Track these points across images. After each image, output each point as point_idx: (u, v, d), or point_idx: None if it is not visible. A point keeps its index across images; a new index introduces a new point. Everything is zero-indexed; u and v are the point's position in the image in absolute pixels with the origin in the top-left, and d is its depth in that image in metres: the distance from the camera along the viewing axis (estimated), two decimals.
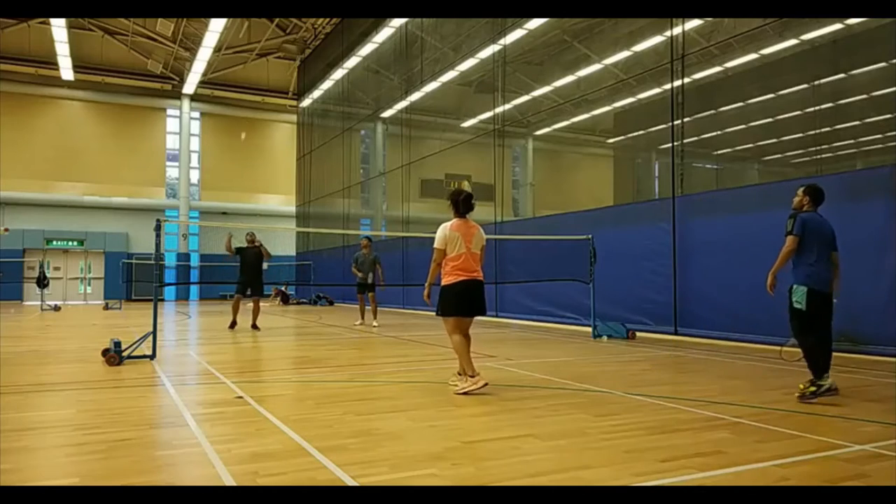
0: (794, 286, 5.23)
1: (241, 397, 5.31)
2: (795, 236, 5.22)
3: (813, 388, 5.06)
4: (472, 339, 5.86)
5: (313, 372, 7.03)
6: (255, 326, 12.52)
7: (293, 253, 30.41)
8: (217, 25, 21.99)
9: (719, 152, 18.80)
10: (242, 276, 12.42)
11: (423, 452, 3.64)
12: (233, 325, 12.59)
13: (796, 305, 5.18)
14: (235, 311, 12.77)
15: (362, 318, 13.73)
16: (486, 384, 5.46)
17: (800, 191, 5.52)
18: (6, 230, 25.57)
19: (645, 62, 14.99)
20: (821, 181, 9.65)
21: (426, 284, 5.87)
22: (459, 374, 5.73)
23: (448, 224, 5.73)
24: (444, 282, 5.69)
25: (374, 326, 13.03)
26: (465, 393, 5.43)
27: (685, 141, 11.26)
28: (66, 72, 25.91)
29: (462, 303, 5.66)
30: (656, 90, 15.90)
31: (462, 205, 5.74)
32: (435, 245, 5.71)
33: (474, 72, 18.83)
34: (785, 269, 5.33)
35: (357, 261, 13.36)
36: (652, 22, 13.99)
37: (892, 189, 7.72)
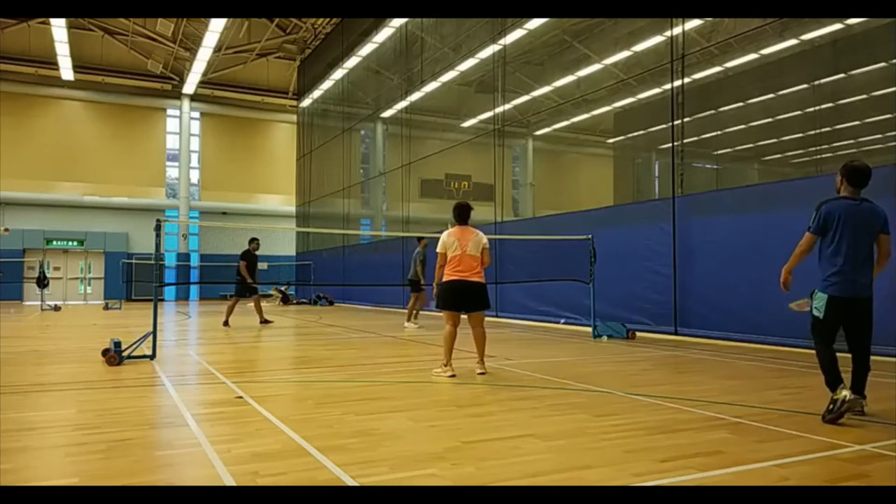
0: (815, 292, 4.60)
1: (241, 397, 5.31)
2: (811, 234, 4.55)
3: (830, 407, 4.43)
4: (485, 331, 6.73)
5: (313, 372, 7.03)
6: (266, 321, 13.65)
7: (293, 253, 30.41)
8: (217, 25, 21.99)
9: (719, 152, 18.80)
10: (254, 279, 13.23)
11: (423, 452, 3.64)
12: (265, 321, 13.53)
13: (815, 312, 4.59)
14: (260, 310, 13.75)
15: (414, 318, 13.15)
16: (451, 375, 6.33)
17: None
18: (6, 230, 25.57)
19: (645, 62, 14.99)
20: (821, 181, 9.64)
21: (434, 284, 6.75)
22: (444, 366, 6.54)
23: (447, 231, 6.66)
24: (443, 279, 6.59)
25: (413, 327, 12.72)
26: (450, 376, 6.33)
27: (685, 141, 11.26)
28: (66, 72, 25.91)
29: (449, 299, 6.50)
30: (656, 90, 15.91)
31: (456, 214, 6.69)
32: (437, 250, 6.64)
33: (474, 72, 18.83)
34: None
35: (421, 260, 12.48)
36: (652, 22, 13.99)
37: (892, 189, 7.72)
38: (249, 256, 13.19)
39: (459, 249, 6.47)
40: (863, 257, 4.51)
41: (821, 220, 4.54)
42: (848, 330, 4.66)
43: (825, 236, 4.54)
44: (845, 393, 4.41)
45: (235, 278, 13.28)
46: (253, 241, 13.45)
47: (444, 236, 6.59)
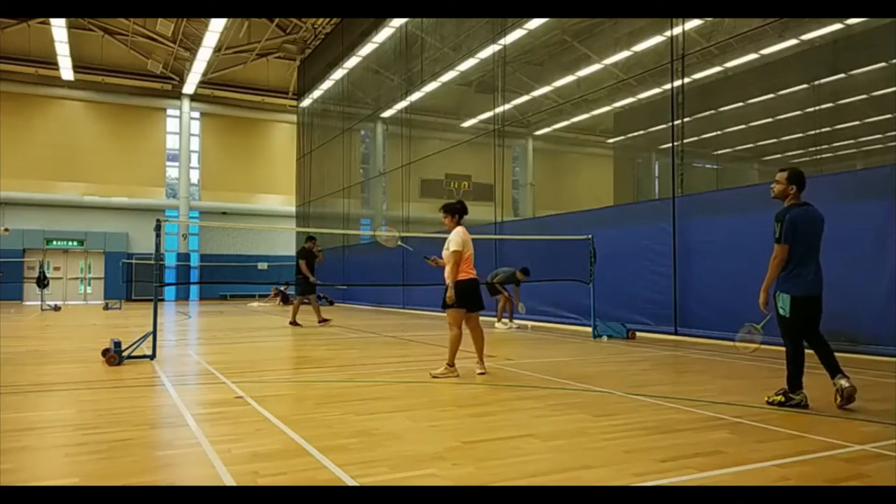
0: (777, 293, 4.92)
1: (241, 397, 5.31)
2: (785, 244, 4.80)
3: (781, 399, 4.90)
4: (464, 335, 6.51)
5: (313, 372, 7.03)
6: (294, 323, 13.43)
7: (293, 253, 30.39)
8: (217, 25, 21.99)
9: (719, 152, 18.81)
10: (315, 277, 13.24)
11: (423, 452, 3.64)
12: (323, 320, 13.38)
13: (781, 311, 4.92)
14: (318, 310, 13.63)
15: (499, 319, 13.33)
16: (455, 376, 6.35)
17: (781, 176, 4.98)
18: (6, 230, 25.55)
19: (645, 62, 14.99)
20: (821, 181, 9.63)
21: (451, 285, 6.34)
22: (448, 366, 6.48)
23: (460, 229, 6.52)
24: (458, 278, 6.37)
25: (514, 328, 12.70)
26: (436, 376, 6.34)
27: (685, 141, 11.26)
28: (66, 72, 25.90)
29: (468, 298, 6.43)
30: (656, 90, 15.91)
31: (464, 212, 6.65)
32: (455, 248, 6.37)
33: (474, 72, 18.83)
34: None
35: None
36: (652, 22, 13.99)
37: (892, 189, 7.72)
38: (308, 255, 13.27)
39: (471, 248, 6.53)
40: (817, 257, 4.91)
41: (793, 230, 4.80)
42: (810, 322, 4.96)
43: (793, 243, 4.84)
44: (804, 395, 4.86)
45: (296, 278, 13.36)
46: (310, 239, 13.55)
47: (462, 235, 6.47)
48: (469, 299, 6.44)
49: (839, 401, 4.78)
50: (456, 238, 6.42)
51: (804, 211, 4.86)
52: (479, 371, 6.51)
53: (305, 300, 13.93)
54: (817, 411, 4.75)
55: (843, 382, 4.78)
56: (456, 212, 6.60)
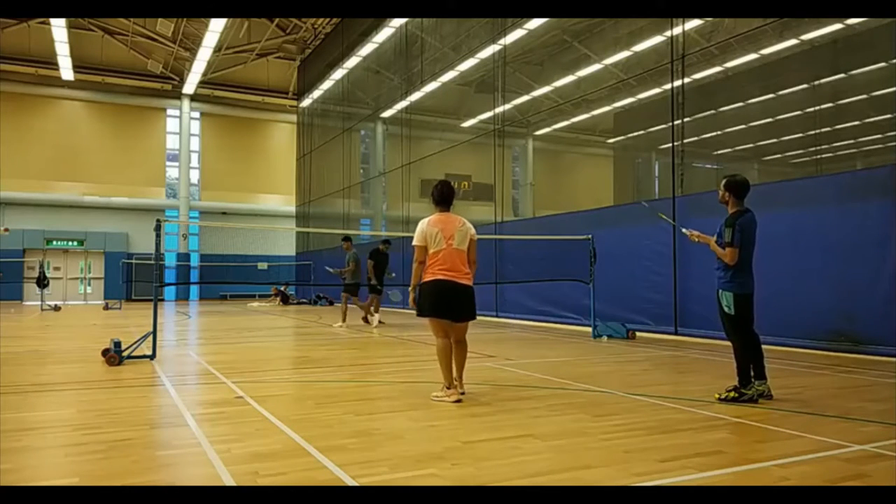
0: (721, 292, 5.18)
1: (241, 397, 5.31)
2: (737, 247, 5.05)
3: (734, 395, 5.05)
4: (468, 343, 5.43)
5: (313, 372, 7.03)
6: (366, 320, 13.72)
7: (293, 253, 30.43)
8: (217, 25, 21.98)
9: (719, 152, 18.79)
10: (377, 277, 13.42)
11: (423, 452, 3.64)
12: (366, 318, 13.78)
13: (726, 310, 5.17)
14: (369, 309, 13.91)
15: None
16: (457, 400, 5.11)
17: (721, 185, 5.31)
18: (6, 230, 25.54)
19: (645, 62, 14.98)
20: (821, 181, 9.62)
21: (411, 287, 5.43)
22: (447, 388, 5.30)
23: (426, 220, 5.32)
24: (423, 279, 5.29)
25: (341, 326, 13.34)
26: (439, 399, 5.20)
27: (685, 141, 11.26)
28: (66, 72, 25.90)
29: (439, 303, 5.18)
30: (656, 90, 15.89)
31: (437, 196, 5.37)
32: (414, 242, 5.28)
33: (474, 72, 18.83)
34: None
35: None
36: (652, 22, 13.99)
37: (892, 189, 7.72)
38: (377, 256, 13.45)
39: (444, 243, 5.17)
40: (751, 260, 5.21)
41: (742, 235, 5.08)
42: (749, 319, 5.23)
43: (740, 247, 5.13)
44: (764, 388, 5.10)
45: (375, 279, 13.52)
46: (386, 242, 13.82)
47: (424, 225, 5.28)
48: (438, 305, 5.18)
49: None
50: (417, 230, 5.30)
51: (748, 217, 5.16)
52: (459, 392, 5.26)
53: (360, 298, 14.13)
54: (817, 412, 4.75)
55: (763, 388, 5.11)
56: (432, 196, 5.43)
